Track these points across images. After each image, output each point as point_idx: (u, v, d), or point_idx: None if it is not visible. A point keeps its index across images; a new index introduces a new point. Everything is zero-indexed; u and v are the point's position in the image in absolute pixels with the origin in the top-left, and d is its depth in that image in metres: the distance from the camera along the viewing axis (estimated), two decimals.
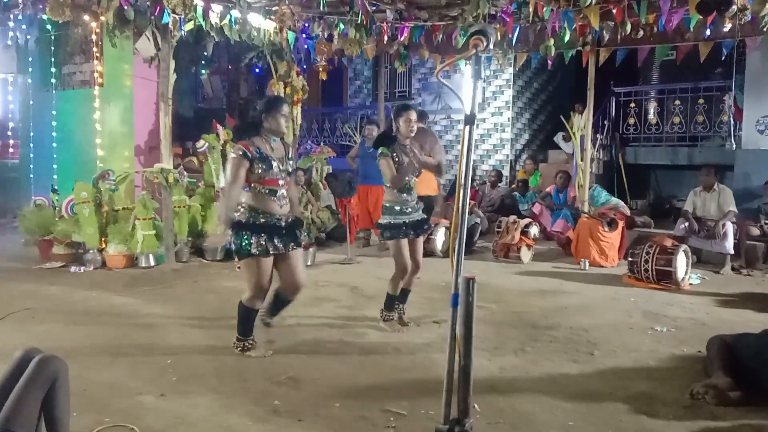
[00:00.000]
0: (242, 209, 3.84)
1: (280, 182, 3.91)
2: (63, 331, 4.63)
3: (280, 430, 3.06)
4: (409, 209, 4.62)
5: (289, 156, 4.05)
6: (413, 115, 4.59)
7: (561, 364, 4.04)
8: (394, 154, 4.51)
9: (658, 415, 3.24)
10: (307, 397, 3.46)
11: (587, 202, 8.65)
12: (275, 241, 3.84)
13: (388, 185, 4.60)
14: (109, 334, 4.59)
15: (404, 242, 4.60)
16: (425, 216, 4.82)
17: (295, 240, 3.97)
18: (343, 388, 3.57)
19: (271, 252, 3.83)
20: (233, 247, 3.83)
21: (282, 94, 9.97)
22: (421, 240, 4.79)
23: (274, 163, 3.86)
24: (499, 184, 10.68)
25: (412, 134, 4.61)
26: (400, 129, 4.56)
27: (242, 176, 3.78)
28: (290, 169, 4.02)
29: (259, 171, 3.81)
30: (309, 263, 7.25)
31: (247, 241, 3.78)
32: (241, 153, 3.78)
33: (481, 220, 8.98)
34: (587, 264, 7.35)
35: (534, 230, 8.04)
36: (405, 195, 4.61)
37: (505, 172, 12.02)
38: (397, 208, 4.58)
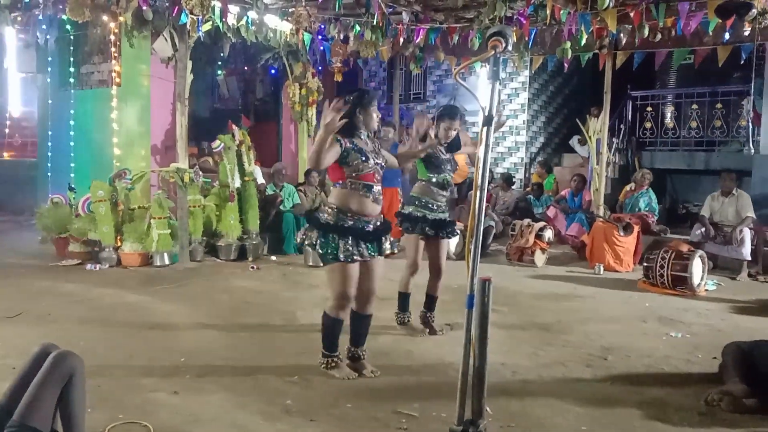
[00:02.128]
0: (331, 210, 3.62)
1: (377, 177, 3.69)
2: (78, 328, 4.67)
3: (292, 429, 3.06)
4: (435, 206, 4.56)
5: (378, 151, 3.81)
6: (456, 125, 4.55)
7: (574, 369, 4.02)
8: (431, 154, 4.51)
9: (671, 422, 3.22)
10: (319, 396, 3.47)
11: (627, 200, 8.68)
12: (361, 246, 3.62)
13: (423, 180, 4.58)
14: (123, 332, 4.62)
15: (419, 239, 4.54)
16: (451, 219, 4.72)
17: (379, 248, 3.74)
18: (354, 389, 3.58)
19: (356, 258, 3.60)
20: (319, 250, 3.61)
21: (297, 96, 10.04)
22: (444, 244, 4.70)
23: (370, 156, 3.65)
24: (512, 188, 10.64)
25: (447, 141, 4.58)
26: (439, 133, 4.55)
27: (331, 154, 3.48)
28: (383, 164, 3.79)
29: (356, 162, 3.57)
30: (322, 263, 7.26)
31: (334, 245, 3.55)
32: (334, 137, 3.50)
33: (495, 223, 8.96)
34: (602, 268, 7.31)
35: (548, 234, 8.01)
36: (438, 190, 4.57)
37: (520, 175, 11.97)
38: (423, 200, 4.54)
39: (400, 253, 8.02)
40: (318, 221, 3.63)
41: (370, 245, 3.67)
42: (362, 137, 3.71)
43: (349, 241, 3.57)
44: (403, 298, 4.73)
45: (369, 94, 3.76)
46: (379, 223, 3.75)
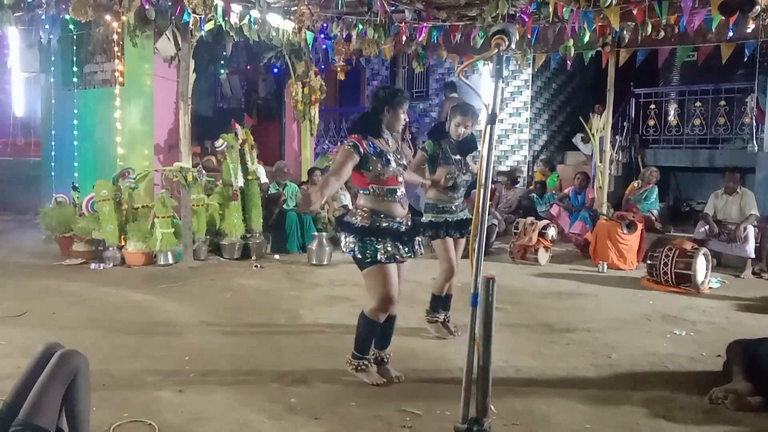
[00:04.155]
0: (364, 213, 3.52)
1: (399, 179, 3.60)
2: (83, 327, 4.68)
3: (296, 427, 3.07)
4: (453, 207, 4.51)
5: (400, 151, 3.71)
6: (468, 122, 4.44)
7: (578, 367, 4.02)
8: (439, 152, 4.46)
9: (676, 420, 3.21)
10: (322, 395, 3.47)
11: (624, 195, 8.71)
12: (399, 246, 3.54)
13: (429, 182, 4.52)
14: (127, 331, 4.64)
15: (449, 241, 4.48)
16: (470, 216, 4.62)
17: (412, 248, 3.64)
18: (358, 387, 3.58)
19: (397, 258, 3.52)
20: (358, 255, 3.48)
21: (300, 94, 10.03)
22: (462, 241, 4.61)
23: (392, 159, 3.55)
24: (516, 186, 10.63)
25: (461, 137, 4.48)
26: (450, 129, 4.49)
27: (348, 170, 3.43)
28: (405, 164, 3.71)
29: (378, 167, 3.48)
30: (326, 262, 7.28)
31: (372, 248, 3.45)
32: (351, 146, 3.44)
33: (499, 221, 8.95)
34: (605, 266, 7.30)
35: (552, 232, 8.00)
36: (450, 192, 4.51)
37: (523, 173, 11.95)
38: (440, 205, 4.49)
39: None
40: (352, 226, 3.52)
41: (404, 246, 3.58)
42: (384, 137, 3.60)
43: (388, 242, 3.49)
44: (436, 300, 4.64)
45: (401, 94, 3.60)
46: (409, 224, 3.66)
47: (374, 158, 3.49)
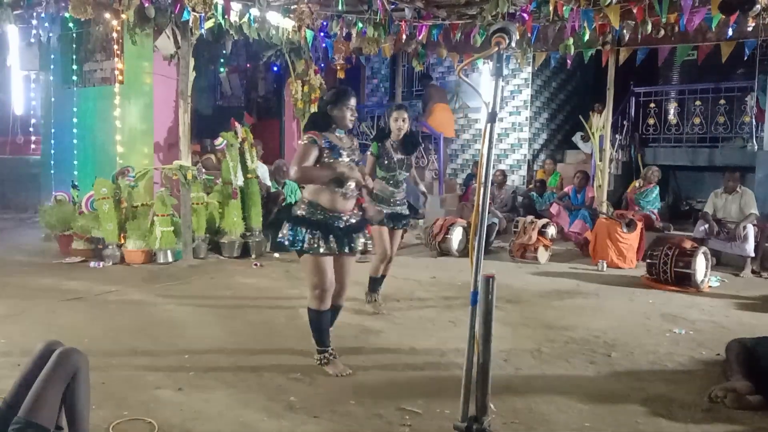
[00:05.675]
0: (303, 204, 3.70)
1: None
2: (82, 325, 4.68)
3: (295, 426, 3.07)
4: (392, 201, 4.96)
5: (354, 148, 3.87)
6: (404, 115, 4.91)
7: (577, 366, 4.02)
8: (383, 153, 4.89)
9: (675, 418, 3.21)
10: (322, 393, 3.47)
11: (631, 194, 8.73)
12: (330, 240, 3.63)
13: (379, 177, 4.92)
14: (127, 329, 4.63)
15: (384, 229, 4.91)
16: (407, 213, 5.10)
17: (350, 244, 3.75)
18: (358, 386, 3.58)
19: (322, 252, 3.61)
20: (285, 242, 3.66)
21: (300, 93, 10.04)
22: (398, 234, 5.11)
23: (344, 153, 3.70)
24: (507, 184, 10.59)
25: (401, 132, 4.91)
26: (391, 127, 4.93)
27: (312, 159, 3.59)
28: (358, 161, 3.89)
29: (330, 160, 3.63)
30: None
31: (300, 237, 3.61)
32: (310, 140, 3.62)
33: (499, 220, 8.96)
34: (605, 265, 7.30)
35: (551, 230, 8.00)
36: (392, 188, 4.96)
37: (522, 171, 11.95)
38: (381, 196, 4.86)
39: (401, 250, 8.03)
40: (291, 216, 3.72)
41: (340, 240, 3.69)
42: (336, 134, 3.77)
43: (317, 234, 3.62)
44: (373, 282, 5.16)
45: (345, 92, 3.80)
46: (353, 220, 3.79)
47: (327, 151, 3.65)
